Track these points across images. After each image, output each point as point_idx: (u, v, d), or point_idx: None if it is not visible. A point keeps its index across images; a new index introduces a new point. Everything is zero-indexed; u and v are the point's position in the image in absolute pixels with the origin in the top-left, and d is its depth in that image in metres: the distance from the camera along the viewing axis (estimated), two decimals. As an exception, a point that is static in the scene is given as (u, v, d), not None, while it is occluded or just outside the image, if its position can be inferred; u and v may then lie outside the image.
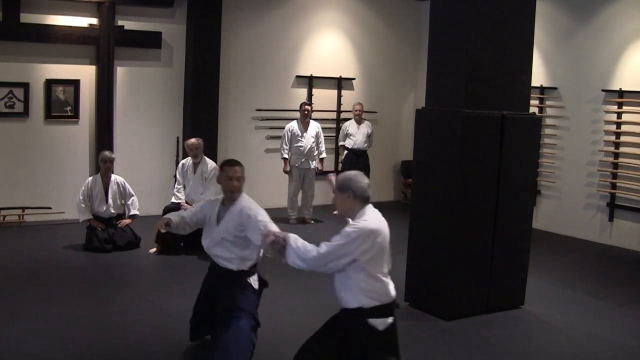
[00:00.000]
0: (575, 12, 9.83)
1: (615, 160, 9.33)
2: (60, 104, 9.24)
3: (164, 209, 8.08)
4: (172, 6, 9.83)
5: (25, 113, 9.00)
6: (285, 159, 9.78)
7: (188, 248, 7.92)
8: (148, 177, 9.80)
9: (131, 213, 8.13)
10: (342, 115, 11.36)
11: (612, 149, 9.38)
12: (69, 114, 9.31)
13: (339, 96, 11.44)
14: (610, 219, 9.43)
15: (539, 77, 10.01)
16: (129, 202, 8.12)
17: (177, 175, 8.34)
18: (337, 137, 11.04)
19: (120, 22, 9.45)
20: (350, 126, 10.55)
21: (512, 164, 6.19)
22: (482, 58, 5.99)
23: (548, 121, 10.18)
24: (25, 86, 8.94)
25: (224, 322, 4.51)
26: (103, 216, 7.94)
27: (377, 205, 4.02)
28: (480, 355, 5.33)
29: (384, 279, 3.79)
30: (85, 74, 9.35)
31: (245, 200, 4.69)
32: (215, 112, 10.09)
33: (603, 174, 9.51)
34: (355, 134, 10.48)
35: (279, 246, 3.90)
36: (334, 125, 11.35)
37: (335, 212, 4.69)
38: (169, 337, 5.37)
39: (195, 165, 8.07)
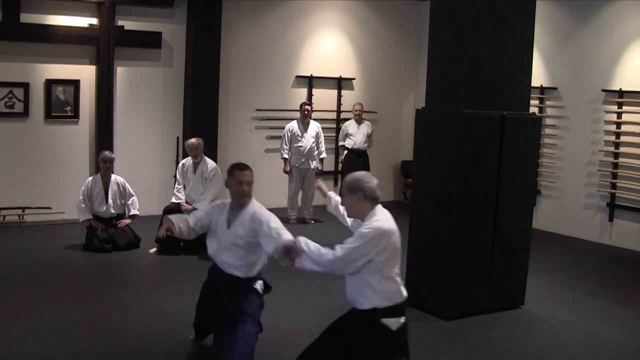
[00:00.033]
0: (575, 12, 9.83)
1: (615, 160, 9.33)
2: (60, 104, 9.24)
3: (164, 209, 8.08)
4: (172, 6, 9.83)
5: (25, 113, 9.00)
6: (285, 159, 9.78)
7: (188, 248, 7.92)
8: (148, 177, 9.80)
9: (131, 213, 8.13)
10: (342, 115, 11.36)
11: (612, 149, 9.38)
12: (69, 114, 9.31)
13: (339, 96, 11.44)
14: (610, 219, 9.43)
15: (539, 77, 10.01)
16: (129, 202, 8.12)
17: (177, 175, 8.33)
18: (337, 137, 11.04)
19: (120, 22, 9.45)
20: (350, 126, 10.55)
21: (512, 164, 6.19)
22: (482, 58, 5.99)
23: (548, 121, 10.18)
24: (25, 86, 8.94)
25: (229, 327, 4.44)
26: (103, 216, 7.94)
27: (377, 205, 4.02)
28: (480, 355, 5.33)
29: (397, 279, 3.81)
30: (85, 74, 9.35)
31: (256, 205, 4.60)
32: (215, 112, 10.09)
33: (603, 174, 9.51)
34: (355, 134, 10.48)
35: (294, 255, 3.90)
36: (334, 125, 11.35)
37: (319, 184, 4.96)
38: (169, 337, 5.37)
39: (196, 165, 8.07)
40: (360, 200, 3.80)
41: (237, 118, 10.56)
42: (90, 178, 8.06)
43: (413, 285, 6.29)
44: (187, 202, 8.00)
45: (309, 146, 9.71)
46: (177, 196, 8.08)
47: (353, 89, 11.62)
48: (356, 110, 10.50)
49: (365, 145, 10.53)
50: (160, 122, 10.00)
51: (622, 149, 9.30)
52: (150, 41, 9.64)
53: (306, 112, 9.73)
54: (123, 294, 6.38)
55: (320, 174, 10.23)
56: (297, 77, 11.03)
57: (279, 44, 10.83)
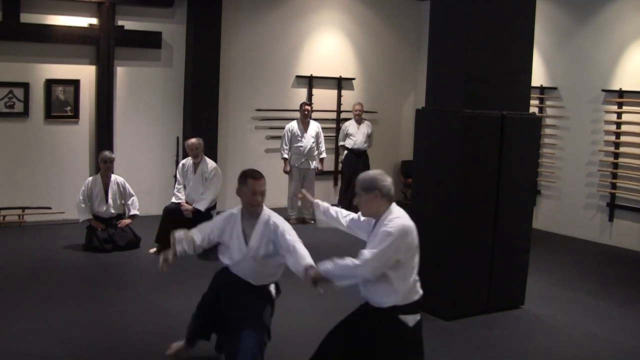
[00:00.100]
0: (575, 12, 9.83)
1: (615, 160, 9.33)
2: (60, 104, 9.24)
3: (164, 209, 8.08)
4: (172, 6, 9.83)
5: (25, 113, 9.00)
6: (285, 159, 9.78)
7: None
8: (148, 177, 9.80)
9: (131, 213, 8.13)
10: (342, 115, 11.36)
11: (612, 149, 9.38)
12: (69, 114, 9.31)
13: (339, 96, 11.44)
14: (610, 219, 9.43)
15: (539, 77, 10.00)
16: (129, 202, 8.12)
17: (178, 175, 8.33)
18: (337, 137, 11.04)
19: (120, 22, 9.45)
20: (350, 126, 10.55)
21: (512, 164, 6.19)
22: (482, 58, 5.99)
23: (548, 121, 10.17)
24: (25, 86, 8.94)
25: (236, 333, 4.27)
26: (103, 216, 7.94)
27: (377, 205, 4.01)
28: (480, 355, 5.33)
29: (416, 276, 3.81)
30: (85, 74, 9.35)
31: (267, 212, 4.39)
32: (215, 112, 10.09)
33: (603, 174, 9.51)
34: (355, 134, 10.47)
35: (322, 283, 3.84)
36: (334, 125, 11.34)
37: (299, 196, 4.72)
38: (169, 337, 5.36)
39: (196, 165, 8.06)
40: (377, 199, 3.77)
41: (237, 118, 10.56)
42: (90, 178, 8.06)
43: (413, 285, 6.32)
44: (187, 202, 8.00)
45: (309, 146, 9.70)
46: (177, 196, 8.08)
47: (353, 89, 11.62)
48: (356, 110, 10.50)
49: (365, 145, 10.53)
50: (160, 122, 10.00)
51: (622, 149, 9.30)
52: (150, 41, 9.64)
53: (306, 112, 9.73)
54: (123, 294, 6.38)
55: (320, 174, 10.25)
56: (297, 77, 11.03)
57: (279, 44, 10.83)
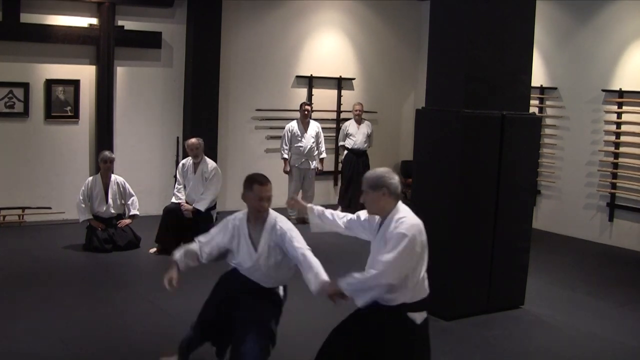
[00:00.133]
0: (575, 12, 9.83)
1: (615, 160, 9.33)
2: (60, 104, 9.24)
3: (164, 209, 8.09)
4: (172, 6, 9.83)
5: (25, 113, 9.00)
6: (285, 159, 9.77)
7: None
8: (148, 177, 9.80)
9: (131, 213, 8.13)
10: (342, 115, 11.36)
11: (612, 149, 9.38)
12: (69, 114, 9.31)
13: (339, 96, 11.44)
14: (610, 219, 9.43)
15: (539, 77, 10.00)
16: (129, 202, 8.12)
17: (178, 175, 8.34)
18: (337, 137, 11.04)
19: (120, 22, 9.45)
20: (350, 126, 10.55)
21: (512, 164, 6.19)
22: (482, 58, 5.99)
23: (548, 121, 10.17)
24: (25, 86, 8.94)
25: (241, 336, 4.15)
26: (103, 216, 7.94)
27: (377, 205, 4.00)
28: (480, 355, 5.33)
29: (425, 274, 3.81)
30: (85, 74, 9.35)
31: (273, 216, 4.28)
32: (215, 112, 10.09)
33: (603, 174, 9.51)
34: (355, 134, 10.47)
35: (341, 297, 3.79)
36: (334, 125, 11.34)
37: (291, 204, 4.67)
38: (169, 337, 5.36)
39: (196, 165, 8.07)
40: (385, 197, 3.75)
41: (237, 118, 10.56)
42: (90, 178, 8.06)
43: (413, 285, 6.32)
44: (187, 202, 8.01)
45: (309, 146, 9.70)
46: (177, 196, 8.08)
47: (353, 89, 11.62)
48: (356, 110, 10.49)
49: (365, 145, 10.53)
50: (160, 122, 10.00)
51: (622, 149, 9.30)
52: (150, 41, 9.64)
53: (306, 112, 9.72)
54: (123, 294, 6.38)
55: (320, 174, 10.24)
56: (297, 77, 11.03)
57: (279, 44, 10.83)
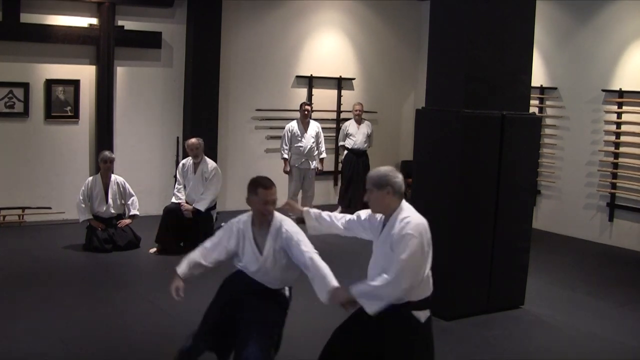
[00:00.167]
0: (575, 12, 9.83)
1: (615, 160, 9.33)
2: (60, 104, 9.24)
3: (164, 209, 8.09)
4: (172, 6, 9.83)
5: (25, 113, 9.00)
6: (285, 159, 9.77)
7: (188, 248, 7.90)
8: (148, 177, 9.80)
9: (131, 213, 8.13)
10: (342, 115, 11.36)
11: (612, 149, 9.38)
12: (69, 114, 9.31)
13: (339, 96, 11.44)
14: (610, 219, 9.43)
15: (539, 77, 10.00)
16: (129, 202, 8.12)
17: (178, 175, 8.34)
18: (337, 137, 11.04)
19: (120, 22, 9.45)
20: (350, 126, 10.55)
21: (512, 164, 6.19)
22: (482, 58, 5.99)
23: (548, 121, 10.17)
24: (25, 86, 8.94)
25: (244, 341, 4.06)
26: (103, 216, 7.94)
27: (377, 205, 4.00)
28: (480, 355, 5.33)
29: (429, 272, 3.81)
30: (85, 74, 9.35)
31: (278, 219, 4.19)
32: (215, 112, 10.09)
33: (603, 174, 9.51)
34: (355, 134, 10.47)
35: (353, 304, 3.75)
36: (334, 125, 11.34)
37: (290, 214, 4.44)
38: (169, 337, 5.37)
39: (196, 165, 8.07)
40: (389, 196, 3.74)
41: (237, 118, 10.56)
42: (90, 178, 8.06)
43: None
44: (187, 202, 8.01)
45: (309, 146, 9.70)
46: (177, 196, 8.08)
47: (353, 89, 11.62)
48: (356, 110, 10.49)
49: (365, 145, 10.53)
50: (160, 122, 10.00)
51: (622, 149, 9.30)
52: (150, 41, 9.64)
53: (306, 112, 9.72)
54: (123, 294, 6.38)
55: (320, 174, 10.24)
56: (297, 77, 11.03)
57: (279, 44, 10.83)
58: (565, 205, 10.00)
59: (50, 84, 9.09)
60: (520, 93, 6.34)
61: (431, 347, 3.89)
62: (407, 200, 3.87)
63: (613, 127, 9.38)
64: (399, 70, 12.12)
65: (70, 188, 8.95)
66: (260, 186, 4.10)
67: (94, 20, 9.25)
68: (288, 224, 4.17)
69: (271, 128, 10.77)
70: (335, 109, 11.41)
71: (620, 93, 9.23)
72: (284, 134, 9.76)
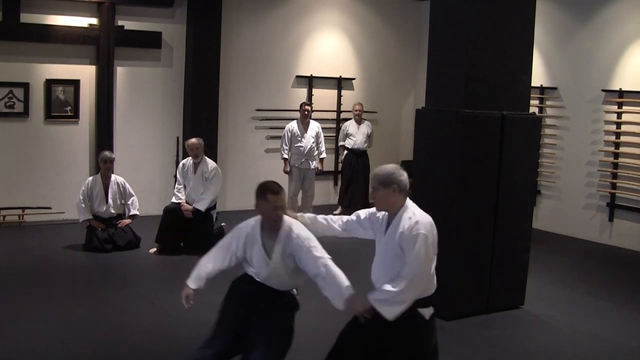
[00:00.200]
0: (575, 12, 9.83)
1: (615, 160, 9.33)
2: (60, 104, 9.24)
3: (164, 209, 8.09)
4: (172, 6, 9.83)
5: (25, 113, 8.99)
6: (285, 159, 9.77)
7: (188, 248, 7.93)
8: (148, 177, 9.80)
9: (131, 213, 8.13)
10: (342, 115, 11.36)
11: (612, 149, 9.38)
12: (69, 114, 9.31)
13: (339, 96, 11.44)
14: (610, 219, 9.43)
15: (539, 77, 10.00)
16: (129, 202, 8.12)
17: (178, 175, 8.34)
18: (337, 137, 11.04)
19: (120, 22, 9.45)
20: (350, 126, 10.55)
21: (512, 164, 6.19)
22: (482, 58, 5.99)
23: (548, 121, 10.17)
24: (25, 86, 8.94)
25: (257, 342, 4.02)
26: (103, 216, 7.94)
27: (377, 205, 4.00)
28: (480, 355, 5.33)
29: (434, 270, 3.83)
30: (85, 74, 9.35)
31: (287, 223, 4.10)
32: (215, 112, 10.09)
33: (603, 174, 9.51)
34: (355, 134, 10.47)
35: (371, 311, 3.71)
36: (334, 125, 11.34)
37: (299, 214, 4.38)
38: (169, 337, 5.37)
39: (196, 165, 8.07)
40: (395, 194, 3.75)
41: (237, 118, 10.56)
42: (90, 178, 8.06)
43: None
44: (187, 202, 8.01)
45: (309, 146, 9.70)
46: (178, 196, 8.08)
47: (353, 89, 11.62)
48: (356, 110, 10.50)
49: (365, 145, 10.53)
50: (160, 122, 10.00)
51: (622, 149, 9.30)
52: (150, 41, 9.64)
53: (306, 112, 9.72)
54: (123, 294, 6.38)
55: (320, 174, 10.24)
56: (297, 77, 11.03)
57: (279, 43, 10.83)
58: (565, 205, 10.00)
59: (50, 84, 9.09)
60: (520, 93, 6.34)
61: (435, 344, 3.89)
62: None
63: (613, 127, 9.38)
64: (399, 70, 12.12)
65: (70, 188, 8.95)
66: (269, 192, 4.02)
67: (94, 20, 9.25)
68: (298, 228, 4.10)
69: (271, 128, 10.77)
70: (335, 109, 11.41)
71: (620, 93, 9.23)
72: (284, 134, 9.76)
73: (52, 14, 9.01)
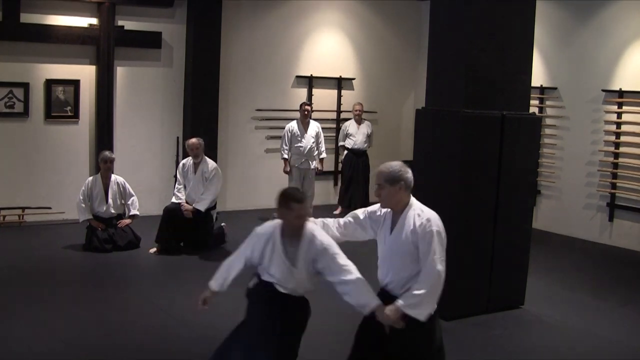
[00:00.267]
0: (575, 12, 9.83)
1: (615, 160, 9.33)
2: (60, 104, 9.24)
3: (164, 209, 8.09)
4: (172, 6, 9.83)
5: (25, 113, 8.99)
6: (285, 159, 9.76)
7: (188, 248, 7.93)
8: (148, 177, 9.80)
9: (131, 213, 8.13)
10: (342, 115, 11.36)
11: (612, 149, 9.38)
12: (69, 114, 9.31)
13: (339, 96, 11.44)
14: (610, 219, 9.43)
15: (539, 77, 10.00)
16: (129, 202, 8.12)
17: (178, 175, 8.33)
18: (337, 137, 11.04)
19: (120, 22, 9.45)
20: (350, 126, 10.55)
21: (512, 164, 6.19)
22: (482, 58, 5.99)
23: (548, 121, 10.17)
24: (25, 86, 8.94)
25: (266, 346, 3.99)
26: (103, 216, 7.94)
27: (377, 205, 4.00)
28: (480, 355, 5.33)
29: None
30: (85, 74, 9.35)
31: (309, 230, 4.02)
32: (215, 112, 10.09)
33: (603, 174, 9.51)
34: (355, 134, 10.47)
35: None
36: (334, 125, 11.34)
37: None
38: (169, 337, 5.37)
39: (196, 165, 8.07)
40: (401, 191, 3.75)
41: (237, 118, 10.56)
42: (91, 178, 8.06)
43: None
44: (187, 202, 8.01)
45: (309, 146, 9.70)
46: (178, 196, 8.08)
47: (353, 89, 11.62)
48: (356, 110, 10.50)
49: (365, 145, 10.53)
50: (160, 122, 10.00)
51: (622, 149, 9.30)
52: (150, 41, 9.64)
53: (306, 112, 9.72)
54: (123, 294, 6.38)
55: (320, 174, 10.24)
56: (297, 77, 11.03)
57: (279, 44, 10.83)
58: (565, 205, 10.00)
59: (50, 84, 9.09)
60: (520, 93, 6.34)
61: (441, 342, 3.88)
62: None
63: (613, 127, 9.38)
64: (399, 70, 12.12)
65: (70, 188, 8.95)
66: (293, 200, 3.96)
67: (94, 20, 9.25)
68: (321, 235, 4.02)
69: (271, 128, 10.77)
70: (335, 109, 11.41)
71: (620, 93, 9.23)
72: (284, 134, 9.76)
73: (52, 14, 9.01)
